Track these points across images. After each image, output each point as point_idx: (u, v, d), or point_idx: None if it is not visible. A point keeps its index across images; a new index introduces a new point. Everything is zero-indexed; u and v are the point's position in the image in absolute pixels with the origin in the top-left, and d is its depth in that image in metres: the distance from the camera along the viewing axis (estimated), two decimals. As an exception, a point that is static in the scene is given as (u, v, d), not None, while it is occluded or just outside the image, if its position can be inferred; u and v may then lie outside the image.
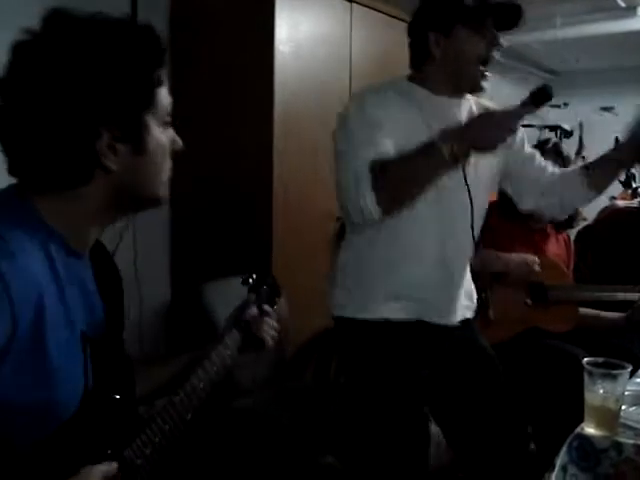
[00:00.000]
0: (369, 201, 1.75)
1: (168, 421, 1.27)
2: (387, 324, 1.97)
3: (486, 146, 1.77)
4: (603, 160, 2.06)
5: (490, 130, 1.75)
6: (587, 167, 2.09)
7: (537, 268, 2.61)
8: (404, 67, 4.04)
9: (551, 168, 2.16)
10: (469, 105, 2.03)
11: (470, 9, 1.86)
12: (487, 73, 1.92)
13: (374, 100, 1.94)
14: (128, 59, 1.11)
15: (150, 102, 1.14)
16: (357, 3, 3.63)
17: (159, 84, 1.16)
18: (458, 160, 1.75)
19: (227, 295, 2.63)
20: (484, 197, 2.08)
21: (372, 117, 1.88)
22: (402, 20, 4.01)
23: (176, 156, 1.24)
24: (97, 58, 1.09)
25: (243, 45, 3.23)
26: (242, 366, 1.56)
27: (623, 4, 4.92)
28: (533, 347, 2.64)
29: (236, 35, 3.25)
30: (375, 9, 3.78)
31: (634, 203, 3.37)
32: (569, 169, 2.18)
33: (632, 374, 2.01)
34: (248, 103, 3.23)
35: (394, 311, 1.96)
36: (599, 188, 2.08)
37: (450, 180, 1.88)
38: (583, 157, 5.43)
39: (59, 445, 1.08)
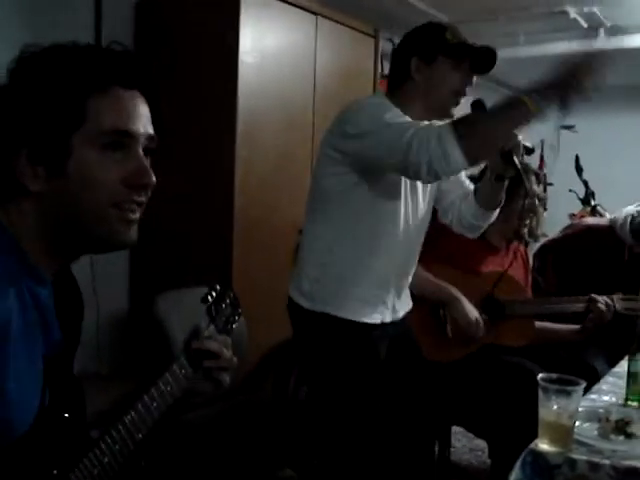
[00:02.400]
0: (456, 153, 1.76)
1: (118, 441, 1.24)
2: (350, 323, 2.09)
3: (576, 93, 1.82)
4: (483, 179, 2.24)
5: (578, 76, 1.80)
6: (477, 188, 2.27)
7: (480, 333, 2.62)
8: (368, 81, 4.10)
9: (467, 189, 2.32)
10: None
11: (452, 44, 2.06)
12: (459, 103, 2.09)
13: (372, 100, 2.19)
14: (49, 81, 1.07)
15: (75, 122, 1.07)
16: (323, 17, 3.64)
17: (84, 106, 1.07)
18: (544, 113, 1.80)
19: (180, 306, 2.62)
20: (431, 205, 2.29)
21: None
22: (368, 35, 4.04)
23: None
24: (20, 78, 1.08)
25: (207, 55, 3.22)
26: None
27: (585, 25, 5.00)
28: (490, 363, 2.65)
29: (200, 45, 3.24)
30: (341, 23, 3.80)
31: (603, 220, 3.40)
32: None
33: (589, 387, 2.04)
34: (211, 113, 3.22)
35: (357, 313, 2.10)
36: (485, 204, 2.24)
37: (410, 186, 2.11)
38: (544, 174, 5.50)
39: (7, 463, 1.07)
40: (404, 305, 2.28)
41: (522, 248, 3.03)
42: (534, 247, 3.51)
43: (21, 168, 1.06)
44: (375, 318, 2.14)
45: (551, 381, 1.54)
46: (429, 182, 2.09)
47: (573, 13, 4.77)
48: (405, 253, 2.20)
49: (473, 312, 2.60)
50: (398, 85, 2.13)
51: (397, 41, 5.47)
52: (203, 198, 3.24)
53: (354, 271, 2.10)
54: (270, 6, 3.30)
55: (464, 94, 2.09)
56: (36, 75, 1.07)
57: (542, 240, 3.44)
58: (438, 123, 1.97)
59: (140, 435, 1.28)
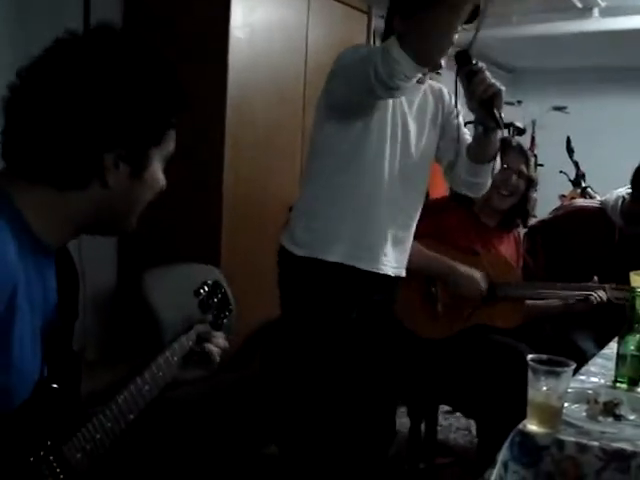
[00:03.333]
0: (395, 50, 1.75)
1: (111, 419, 1.29)
2: (335, 266, 2.14)
3: None
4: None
5: None
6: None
7: (483, 286, 2.64)
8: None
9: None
10: (424, 89, 2.27)
11: None
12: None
13: None
14: (155, 95, 1.20)
15: (159, 140, 1.23)
16: (315, -8, 3.60)
17: (171, 126, 1.26)
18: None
19: (168, 283, 2.60)
20: (427, 157, 2.30)
21: None
22: (361, 10, 4.00)
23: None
24: (131, 85, 1.17)
25: (197, 30, 3.18)
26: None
27: (580, 4, 4.97)
28: (479, 343, 2.65)
29: (190, 20, 3.20)
30: (334, -1, 3.75)
31: (594, 202, 3.38)
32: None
33: (577, 369, 2.04)
34: (201, 88, 3.16)
35: (347, 257, 2.14)
36: (475, 157, 2.21)
37: (398, 133, 2.16)
38: (535, 155, 5.49)
39: (4, 431, 1.11)
40: (401, 261, 2.29)
41: (515, 232, 3.02)
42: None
43: (109, 163, 1.16)
44: (374, 267, 2.18)
45: (541, 362, 1.53)
46: (383, 96, 1.96)
47: (567, -7, 4.74)
48: (395, 202, 2.20)
49: (475, 274, 2.63)
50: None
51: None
52: (191, 174, 3.20)
53: (341, 216, 2.15)
54: (261, -19, 3.25)
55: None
56: (145, 78, 1.19)
57: (532, 221, 3.45)
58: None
59: (132, 415, 1.34)
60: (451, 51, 2.00)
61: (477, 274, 2.63)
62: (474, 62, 2.00)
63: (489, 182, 2.30)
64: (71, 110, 1.13)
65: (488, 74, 1.99)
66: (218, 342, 1.55)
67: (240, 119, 3.18)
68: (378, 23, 4.71)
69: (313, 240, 2.16)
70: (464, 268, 2.62)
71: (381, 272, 2.21)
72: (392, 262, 2.25)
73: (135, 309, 2.83)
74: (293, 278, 2.24)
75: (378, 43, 5.11)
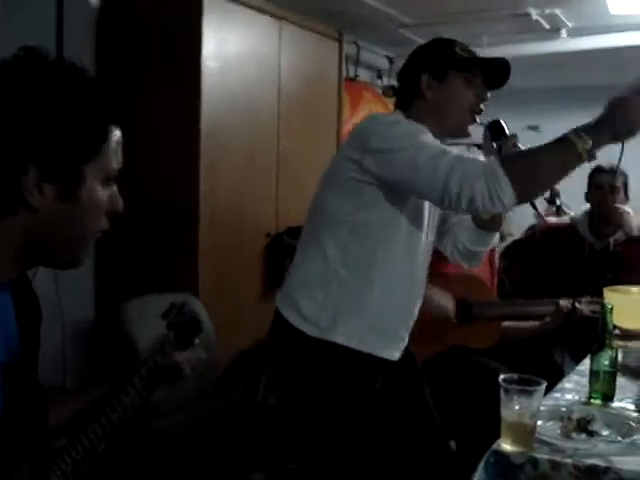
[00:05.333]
0: (507, 191, 1.69)
1: (80, 451, 1.26)
2: (347, 350, 1.93)
3: (631, 132, 1.74)
4: None
5: (632, 115, 1.72)
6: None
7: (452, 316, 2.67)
8: (332, 84, 4.12)
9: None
10: None
11: (463, 59, 1.99)
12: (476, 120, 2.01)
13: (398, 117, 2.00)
14: (74, 106, 1.10)
15: (91, 155, 1.12)
16: (287, 21, 3.65)
17: (104, 139, 1.14)
18: (593, 155, 1.74)
19: (146, 314, 2.60)
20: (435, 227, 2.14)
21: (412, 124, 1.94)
22: (332, 38, 4.06)
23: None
24: (40, 97, 1.08)
25: (169, 60, 3.21)
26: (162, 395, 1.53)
27: (547, 26, 5.05)
28: (456, 364, 2.67)
29: (162, 50, 3.23)
30: (305, 27, 3.81)
31: (564, 219, 3.44)
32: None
33: (554, 383, 2.06)
34: (175, 118, 3.20)
35: (354, 341, 1.93)
36: (484, 224, 2.13)
37: (421, 214, 1.97)
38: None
39: None
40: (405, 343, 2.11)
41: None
42: (501, 247, 3.55)
43: (28, 184, 1.07)
44: (391, 354, 2.03)
45: (512, 382, 1.55)
46: (462, 213, 2.00)
47: (535, 15, 4.81)
48: (417, 279, 2.05)
49: (445, 299, 2.64)
50: (408, 102, 2.03)
51: (361, 44, 5.52)
52: (168, 203, 3.22)
53: (363, 297, 1.94)
54: (232, 11, 3.30)
55: (479, 111, 2.00)
56: (63, 92, 1.09)
57: (509, 240, 3.49)
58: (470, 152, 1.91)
59: (102, 446, 1.30)
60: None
61: (443, 298, 2.64)
62: (507, 134, 2.02)
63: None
64: None
65: (520, 145, 2.00)
66: (186, 355, 1.53)
67: (215, 147, 3.21)
68: (349, 49, 4.79)
69: (329, 319, 1.92)
70: (433, 291, 2.62)
71: (395, 359, 2.06)
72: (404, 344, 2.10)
73: (113, 339, 2.83)
74: (305, 359, 1.97)
75: (351, 70, 5.19)
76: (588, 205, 3.19)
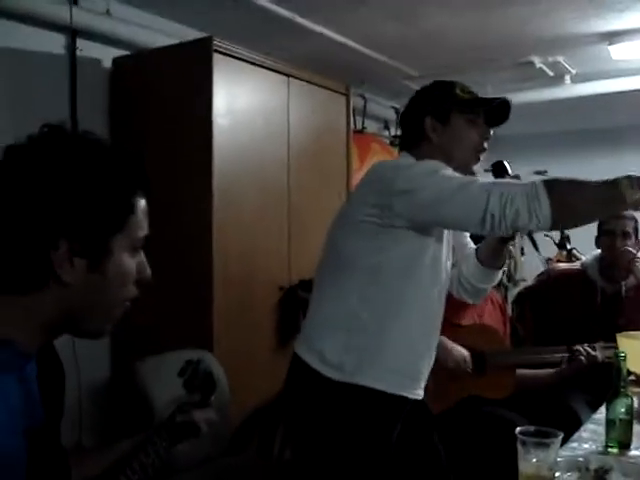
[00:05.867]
0: (545, 212, 1.68)
1: None
2: (372, 392, 1.93)
3: None
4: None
5: None
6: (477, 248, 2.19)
7: (469, 365, 2.67)
8: (341, 137, 4.18)
9: (469, 250, 2.23)
10: None
11: (465, 101, 2.02)
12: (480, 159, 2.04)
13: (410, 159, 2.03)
14: (101, 180, 1.12)
15: (118, 227, 1.14)
16: (294, 77, 3.73)
17: (132, 211, 1.15)
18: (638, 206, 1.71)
19: (161, 372, 2.62)
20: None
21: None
22: (339, 92, 4.13)
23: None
24: (67, 173, 1.10)
25: (181, 119, 3.28)
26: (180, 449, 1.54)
27: (551, 73, 5.13)
28: (471, 415, 2.66)
29: (174, 109, 3.30)
30: (312, 82, 3.88)
31: (575, 265, 3.45)
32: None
33: (572, 432, 2.06)
34: (188, 176, 3.26)
35: (381, 383, 1.94)
36: (489, 262, 2.14)
37: (439, 252, 1.99)
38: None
39: None
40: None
41: (497, 295, 3.07)
42: (513, 292, 3.56)
43: (60, 259, 1.09)
44: (416, 393, 2.03)
45: (529, 434, 1.55)
46: (500, 235, 1.99)
47: (538, 63, 4.90)
48: (435, 318, 2.06)
49: (460, 351, 2.62)
50: (414, 145, 2.07)
51: (368, 96, 5.61)
52: (182, 261, 3.26)
53: (385, 338, 1.94)
54: (241, 69, 3.37)
55: (484, 149, 2.03)
56: (89, 169, 1.12)
57: (521, 285, 3.51)
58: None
59: None
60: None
61: (459, 348, 2.65)
62: (510, 173, 2.08)
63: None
64: (8, 212, 1.09)
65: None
66: (203, 413, 1.55)
67: (227, 204, 3.25)
68: (355, 102, 4.87)
69: (353, 363, 1.92)
70: (449, 343, 2.64)
71: (421, 397, 2.08)
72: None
73: (130, 398, 2.84)
74: (327, 403, 1.96)
75: (358, 122, 5.27)
76: (598, 250, 3.20)
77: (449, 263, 2.09)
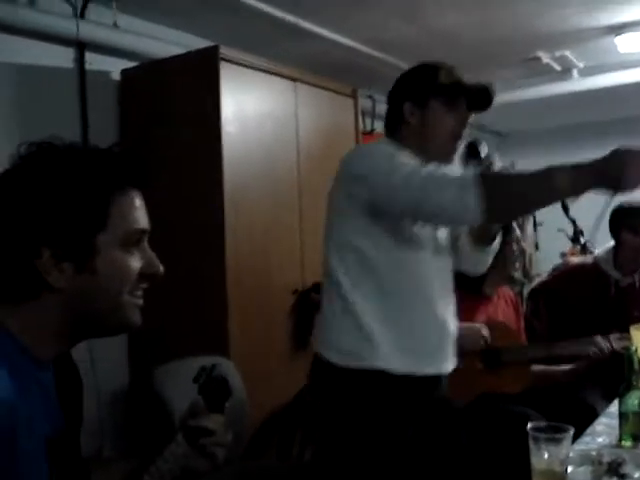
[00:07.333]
0: (474, 207, 1.68)
1: None
2: (384, 375, 1.94)
3: (621, 185, 1.65)
4: None
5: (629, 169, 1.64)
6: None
7: (485, 333, 2.66)
8: (349, 139, 4.19)
9: None
10: None
11: (444, 86, 2.01)
12: (458, 148, 2.04)
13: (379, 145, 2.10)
14: (71, 183, 1.12)
15: (99, 225, 1.13)
16: (301, 82, 3.75)
17: (110, 208, 1.14)
18: (576, 192, 1.69)
19: (178, 378, 2.64)
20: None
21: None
22: (346, 95, 4.15)
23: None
24: (38, 181, 1.12)
25: (190, 128, 3.31)
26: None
27: (558, 68, 5.13)
28: (487, 412, 2.66)
29: (183, 118, 3.33)
30: (319, 86, 3.90)
31: (588, 259, 3.45)
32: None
33: (587, 425, 2.07)
34: (199, 184, 3.29)
35: (395, 362, 1.95)
36: (479, 241, 2.16)
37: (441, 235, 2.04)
38: (534, 215, 5.54)
39: None
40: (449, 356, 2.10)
41: (510, 292, 3.07)
42: (529, 288, 3.56)
43: (46, 266, 1.10)
44: (438, 368, 2.03)
45: (540, 430, 1.57)
46: (440, 227, 2.03)
47: (546, 58, 4.90)
48: (435, 294, 2.04)
49: (479, 329, 2.64)
50: (394, 129, 2.10)
51: (377, 97, 5.60)
52: (196, 268, 3.29)
53: (387, 319, 1.96)
54: (249, 76, 3.40)
55: (461, 136, 2.02)
56: (56, 175, 1.12)
57: (536, 280, 3.50)
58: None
59: None
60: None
61: (476, 325, 2.65)
62: (482, 156, 2.07)
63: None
64: None
65: (499, 165, 2.03)
66: (216, 418, 1.55)
67: (238, 210, 3.28)
68: (364, 104, 4.88)
69: (366, 347, 1.94)
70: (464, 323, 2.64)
71: (448, 371, 2.07)
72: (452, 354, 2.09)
73: (148, 404, 2.86)
74: (341, 393, 1.98)
75: (367, 123, 5.27)
76: (611, 242, 3.19)
77: (439, 241, 2.07)
